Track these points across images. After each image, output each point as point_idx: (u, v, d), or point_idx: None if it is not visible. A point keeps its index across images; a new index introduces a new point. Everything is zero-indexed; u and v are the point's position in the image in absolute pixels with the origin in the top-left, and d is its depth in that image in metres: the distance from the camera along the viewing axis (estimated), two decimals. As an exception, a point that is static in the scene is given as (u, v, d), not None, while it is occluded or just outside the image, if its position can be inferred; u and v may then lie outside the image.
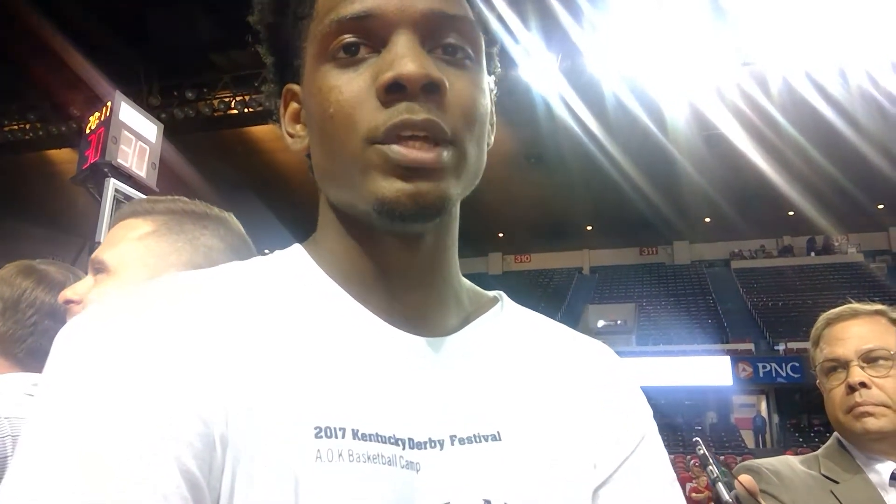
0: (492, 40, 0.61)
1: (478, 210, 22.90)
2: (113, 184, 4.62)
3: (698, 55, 14.59)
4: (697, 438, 0.88)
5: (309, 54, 0.57)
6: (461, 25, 0.55)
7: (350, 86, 0.53)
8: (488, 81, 0.61)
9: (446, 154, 0.52)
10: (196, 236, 0.97)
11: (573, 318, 23.65)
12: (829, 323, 1.38)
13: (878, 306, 1.39)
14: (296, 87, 0.61)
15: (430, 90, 0.51)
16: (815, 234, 27.60)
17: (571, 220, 27.14)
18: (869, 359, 1.29)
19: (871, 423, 1.26)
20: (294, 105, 0.62)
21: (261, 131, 18.48)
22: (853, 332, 1.34)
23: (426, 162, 0.51)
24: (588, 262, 31.68)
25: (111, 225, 1.01)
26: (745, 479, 0.81)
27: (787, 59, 14.93)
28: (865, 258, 27.09)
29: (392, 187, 0.51)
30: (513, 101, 15.27)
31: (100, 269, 0.95)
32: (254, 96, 15.95)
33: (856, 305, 1.39)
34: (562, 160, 20.65)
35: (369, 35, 0.53)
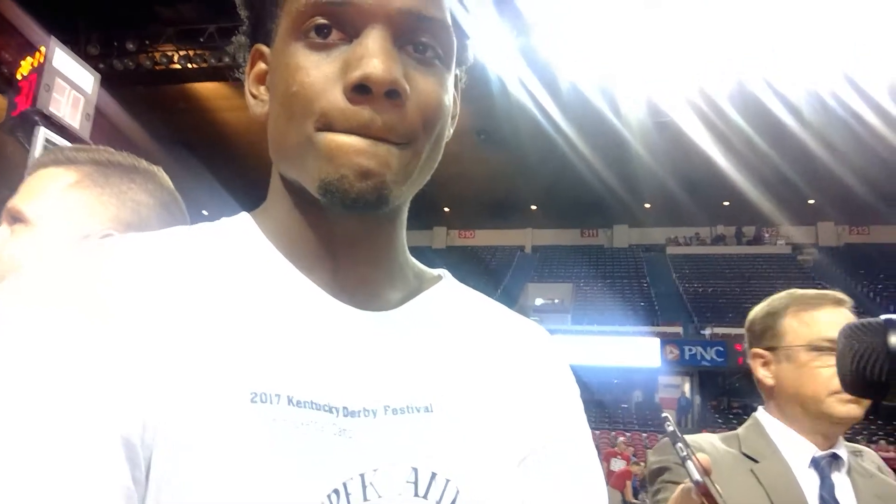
0: (465, 34, 0.61)
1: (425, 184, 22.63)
2: (43, 133, 4.39)
3: (654, 43, 14.77)
4: (667, 415, 0.89)
5: (281, 26, 0.57)
6: (435, 27, 0.55)
7: (318, 70, 0.53)
8: (458, 74, 0.63)
9: (397, 152, 0.53)
10: (123, 190, 0.91)
11: (513, 296, 23.95)
12: (821, 303, 1.39)
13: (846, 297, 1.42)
14: (265, 49, 0.61)
15: (392, 95, 0.52)
16: (747, 225, 28.62)
17: (517, 199, 27.34)
18: None
19: (854, 410, 1.29)
20: (261, 66, 0.62)
21: (206, 89, 17.84)
22: (846, 317, 1.36)
23: (376, 153, 0.52)
24: (530, 241, 32.05)
25: (28, 172, 0.93)
26: (702, 457, 0.81)
27: (738, 56, 15.28)
28: (793, 251, 28.28)
29: (337, 173, 0.52)
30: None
31: (18, 219, 0.88)
32: (198, 52, 15.35)
33: (839, 294, 1.41)
34: (512, 138, 20.70)
35: (343, 22, 0.53)
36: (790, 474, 1.29)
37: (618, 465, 12.17)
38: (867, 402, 1.28)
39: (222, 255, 0.57)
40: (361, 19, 0.53)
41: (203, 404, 0.48)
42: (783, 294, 1.45)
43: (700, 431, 15.70)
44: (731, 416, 19.30)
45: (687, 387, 21.01)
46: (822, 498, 1.27)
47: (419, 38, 0.55)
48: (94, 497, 0.42)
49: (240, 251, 0.58)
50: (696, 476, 0.76)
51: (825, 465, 1.31)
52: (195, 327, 0.51)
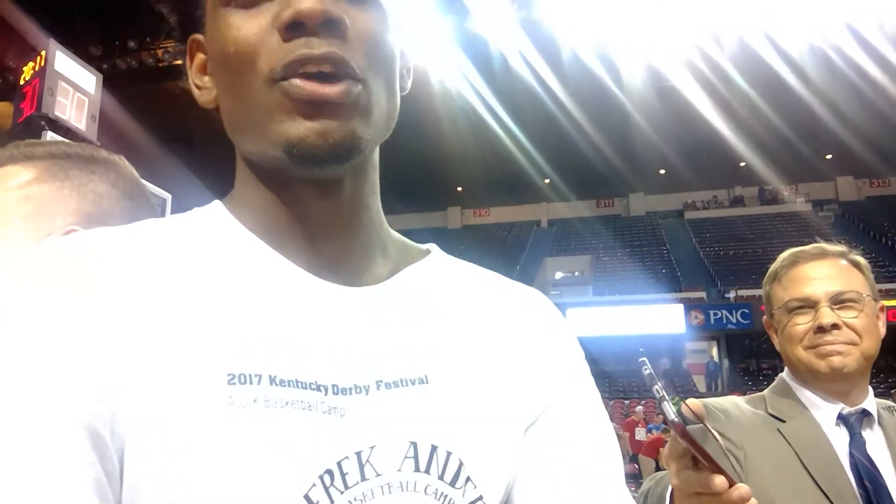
0: None
1: (436, 164, 22.76)
2: (50, 138, 4.40)
3: (654, 8, 14.56)
4: (644, 359, 0.85)
5: (208, 3, 0.56)
6: None
7: (249, 24, 0.51)
8: (404, 12, 0.60)
9: (354, 89, 0.50)
10: (83, 182, 0.90)
11: (532, 271, 23.95)
12: (796, 261, 1.36)
13: (843, 248, 1.37)
14: (200, 38, 0.59)
15: (330, 27, 0.50)
16: (764, 185, 28.32)
17: (529, 174, 27.25)
18: (838, 301, 1.28)
19: (837, 361, 1.24)
20: (200, 56, 0.60)
21: (210, 84, 17.88)
22: (822, 272, 1.32)
23: (331, 95, 0.50)
24: (546, 215, 32.01)
25: None
26: (692, 402, 0.80)
27: (740, 15, 15.02)
28: (813, 207, 27.98)
29: (299, 127, 0.50)
30: (469, 53, 15.06)
31: None
32: (201, 46, 15.36)
33: (823, 245, 1.37)
34: (519, 113, 20.57)
35: None
36: (819, 432, 1.26)
37: (640, 433, 12.19)
38: (856, 352, 1.26)
39: (195, 242, 0.55)
40: None
41: (176, 391, 0.46)
42: (777, 259, 1.43)
43: (730, 395, 15.68)
44: (760, 378, 19.23)
45: (714, 351, 20.97)
46: (852, 455, 1.23)
47: None
48: (61, 492, 0.41)
49: (213, 237, 0.56)
50: (672, 416, 0.75)
51: (854, 422, 1.27)
52: (168, 315, 0.49)
